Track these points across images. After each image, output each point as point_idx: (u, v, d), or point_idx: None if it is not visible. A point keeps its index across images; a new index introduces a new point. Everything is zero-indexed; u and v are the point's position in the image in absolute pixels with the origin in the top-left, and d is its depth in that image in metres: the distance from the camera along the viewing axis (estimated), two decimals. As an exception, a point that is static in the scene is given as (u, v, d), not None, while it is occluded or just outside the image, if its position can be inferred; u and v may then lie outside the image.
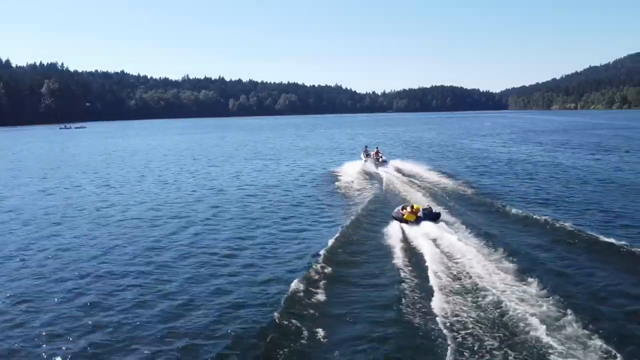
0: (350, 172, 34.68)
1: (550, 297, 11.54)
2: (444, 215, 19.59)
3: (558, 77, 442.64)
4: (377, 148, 39.72)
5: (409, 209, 18.83)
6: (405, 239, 16.96)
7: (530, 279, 12.66)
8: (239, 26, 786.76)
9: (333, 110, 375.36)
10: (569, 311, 10.70)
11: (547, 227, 18.21)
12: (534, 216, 19.55)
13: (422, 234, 17.03)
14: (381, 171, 33.58)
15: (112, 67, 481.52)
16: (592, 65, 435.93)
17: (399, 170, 34.12)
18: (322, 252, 15.37)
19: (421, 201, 22.58)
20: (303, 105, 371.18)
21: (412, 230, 17.65)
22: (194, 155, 54.43)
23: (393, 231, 17.84)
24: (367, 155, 39.18)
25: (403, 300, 11.68)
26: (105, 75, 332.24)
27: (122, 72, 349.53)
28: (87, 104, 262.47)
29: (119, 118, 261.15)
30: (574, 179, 30.65)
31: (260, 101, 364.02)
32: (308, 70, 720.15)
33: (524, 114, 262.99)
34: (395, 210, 19.50)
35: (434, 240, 16.39)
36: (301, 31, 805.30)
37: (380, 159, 36.78)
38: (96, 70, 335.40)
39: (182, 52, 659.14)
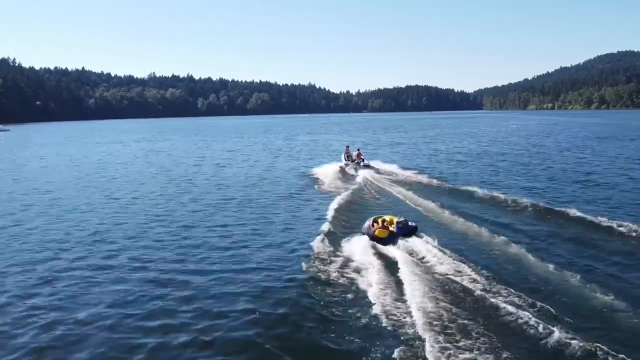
0: (329, 176, 29.48)
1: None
2: (423, 228, 16.06)
3: (530, 78, 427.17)
4: (358, 149, 35.30)
5: (380, 222, 15.56)
6: (379, 256, 13.59)
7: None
8: (209, 23, 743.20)
9: (307, 110, 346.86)
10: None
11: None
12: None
13: (398, 252, 13.82)
14: (363, 174, 28.72)
15: (72, 64, 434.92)
16: (563, 66, 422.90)
17: (381, 173, 29.85)
18: (280, 284, 11.95)
19: (403, 210, 19.14)
20: (276, 104, 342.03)
21: (386, 249, 14.24)
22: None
23: (364, 250, 14.13)
24: (349, 156, 34.25)
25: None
26: (64, 72, 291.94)
27: (83, 69, 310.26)
28: (38, 102, 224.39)
29: (77, 118, 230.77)
30: None
31: (231, 100, 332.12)
32: (281, 69, 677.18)
33: (513, 114, 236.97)
34: (365, 225, 15.89)
35: (412, 256, 13.46)
36: (273, 29, 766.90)
37: (362, 162, 32.24)
38: (56, 67, 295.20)
39: (148, 50, 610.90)
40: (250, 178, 30.48)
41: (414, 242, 14.54)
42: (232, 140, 72.57)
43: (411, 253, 13.70)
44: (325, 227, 16.71)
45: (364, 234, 15.50)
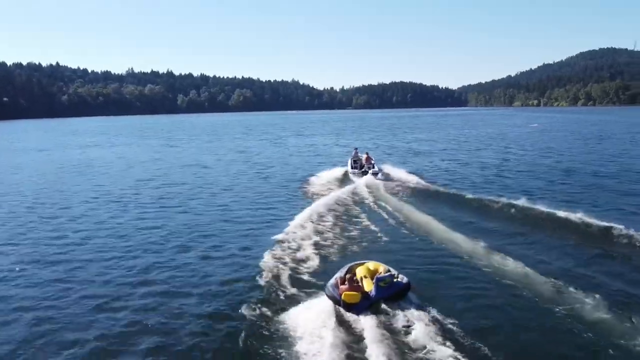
0: (325, 186, 24.34)
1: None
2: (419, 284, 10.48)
3: (513, 74, 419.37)
4: (367, 153, 30.43)
5: (349, 281, 9.77)
6: (343, 332, 8.74)
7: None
8: (192, 19, 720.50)
9: (290, 106, 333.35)
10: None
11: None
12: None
13: (373, 328, 8.67)
14: (365, 187, 23.03)
15: (46, 60, 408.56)
16: (546, 63, 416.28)
17: (394, 180, 25.21)
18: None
19: (414, 246, 13.77)
20: (258, 101, 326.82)
21: (357, 320, 9.18)
22: None
23: (322, 320, 9.15)
24: (356, 161, 29.66)
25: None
26: (36, 67, 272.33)
27: (57, 64, 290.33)
28: (5, 99, 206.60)
29: (49, 115, 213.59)
30: None
31: (212, 97, 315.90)
32: (263, 65, 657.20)
33: (507, 111, 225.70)
34: (331, 282, 10.15)
35: (398, 337, 8.54)
36: (256, 25, 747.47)
37: (371, 169, 27.46)
38: (28, 63, 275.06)
39: (128, 45, 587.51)
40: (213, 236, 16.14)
41: (408, 313, 9.14)
42: (205, 145, 58.38)
43: (397, 332, 8.61)
44: (276, 281, 11.23)
45: (328, 296, 9.72)
